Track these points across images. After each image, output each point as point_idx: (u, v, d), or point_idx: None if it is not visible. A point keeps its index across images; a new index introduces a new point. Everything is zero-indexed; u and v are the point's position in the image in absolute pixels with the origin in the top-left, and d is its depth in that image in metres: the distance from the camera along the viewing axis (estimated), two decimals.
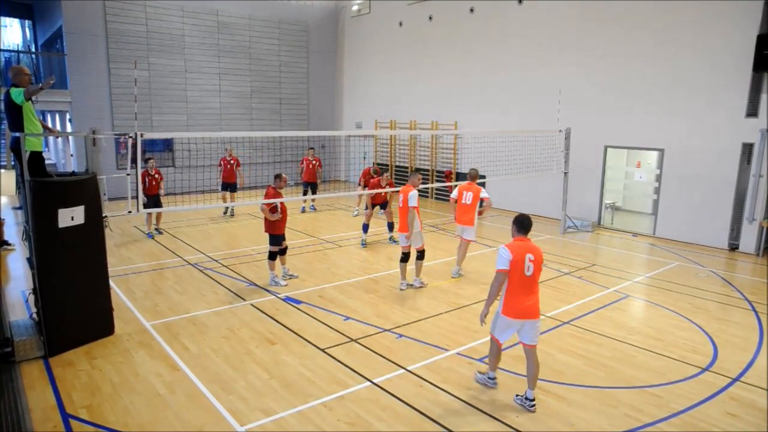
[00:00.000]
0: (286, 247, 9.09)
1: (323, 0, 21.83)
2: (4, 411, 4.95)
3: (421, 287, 8.84)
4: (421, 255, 8.85)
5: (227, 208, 14.47)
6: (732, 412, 5.19)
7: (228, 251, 11.08)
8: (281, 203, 8.74)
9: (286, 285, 8.87)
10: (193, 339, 6.70)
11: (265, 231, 8.85)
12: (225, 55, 19.50)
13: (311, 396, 5.37)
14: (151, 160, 12.18)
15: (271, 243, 8.80)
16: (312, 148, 15.21)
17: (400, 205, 8.64)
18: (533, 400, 5.23)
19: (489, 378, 5.72)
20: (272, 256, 8.87)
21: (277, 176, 8.86)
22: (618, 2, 13.07)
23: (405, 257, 8.72)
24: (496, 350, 5.54)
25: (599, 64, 13.64)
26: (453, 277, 9.46)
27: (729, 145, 11.53)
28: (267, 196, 8.68)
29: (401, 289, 8.72)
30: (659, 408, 5.23)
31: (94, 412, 5.02)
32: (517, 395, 5.38)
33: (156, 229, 12.56)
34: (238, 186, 14.30)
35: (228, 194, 14.31)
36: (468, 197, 9.31)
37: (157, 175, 12.03)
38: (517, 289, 5.17)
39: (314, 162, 14.91)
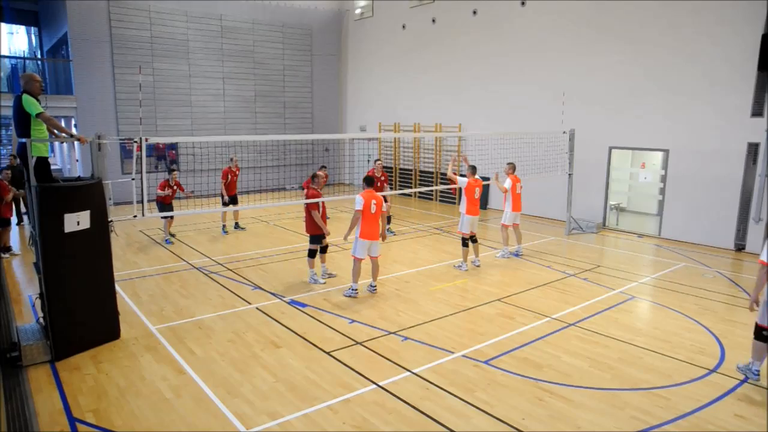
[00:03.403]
0: (326, 245, 9.28)
1: (326, 1, 21.89)
2: (11, 415, 4.97)
3: (478, 267, 10.30)
4: (474, 239, 10.41)
5: (233, 223, 13.55)
6: (740, 414, 5.15)
7: (233, 255, 11.10)
8: (322, 203, 9.05)
9: (324, 283, 9.06)
10: (198, 343, 6.72)
11: (307, 231, 9.13)
12: (229, 60, 19.59)
13: (317, 399, 5.36)
14: (175, 172, 12.32)
15: (312, 242, 9.01)
16: (324, 167, 14.76)
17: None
18: (375, 286, 8.65)
19: (353, 290, 8.48)
20: (312, 254, 9.07)
21: (315, 176, 9.21)
22: (621, 4, 13.06)
23: (465, 242, 10.14)
24: (357, 268, 8.46)
25: (603, 64, 13.62)
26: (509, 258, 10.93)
27: (735, 145, 11.48)
28: (309, 196, 8.94)
29: (465, 270, 10.01)
30: (666, 410, 5.21)
31: (101, 416, 5.03)
32: (345, 291, 8.54)
33: (170, 234, 12.62)
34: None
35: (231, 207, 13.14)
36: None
37: (176, 186, 12.12)
38: (367, 222, 8.32)
39: (324, 179, 14.56)
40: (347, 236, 8.56)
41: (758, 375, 5.84)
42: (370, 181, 8.59)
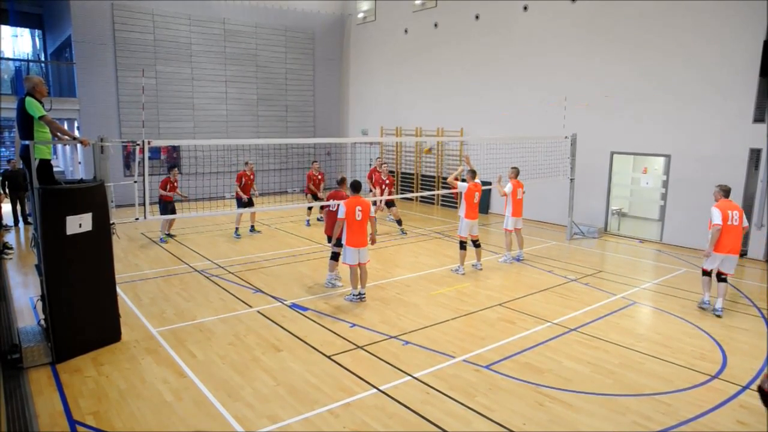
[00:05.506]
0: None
1: (329, 1, 21.94)
2: (12, 417, 4.97)
3: (481, 269, 10.32)
4: (477, 243, 10.44)
5: (249, 226, 13.72)
6: (742, 420, 5.14)
7: (234, 258, 11.11)
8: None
9: (341, 286, 9.10)
10: (199, 345, 6.72)
11: (327, 233, 9.41)
12: (231, 63, 19.65)
13: (317, 403, 5.36)
14: (175, 168, 12.67)
15: (336, 245, 8.99)
16: (316, 161, 14.79)
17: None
18: (364, 294, 8.37)
19: (354, 296, 8.34)
20: (335, 257, 9.08)
21: (341, 181, 9.33)
22: (623, 8, 13.08)
23: (463, 245, 10.13)
24: (353, 273, 8.33)
25: (605, 69, 13.63)
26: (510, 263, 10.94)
27: (736, 150, 11.47)
28: (330, 197, 9.23)
29: (462, 274, 10.00)
30: (668, 416, 5.19)
31: (101, 419, 5.03)
32: (347, 296, 8.40)
33: (168, 234, 12.76)
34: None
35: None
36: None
37: (176, 183, 12.42)
38: (353, 230, 8.13)
39: (319, 177, 14.42)
40: (333, 244, 8.80)
41: (709, 303, 8.17)
42: (354, 187, 8.41)
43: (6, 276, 9.65)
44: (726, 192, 8.20)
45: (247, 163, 13.23)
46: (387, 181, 13.27)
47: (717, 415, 5.23)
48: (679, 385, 5.83)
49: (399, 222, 13.85)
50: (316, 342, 6.86)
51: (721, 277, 8.03)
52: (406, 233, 13.59)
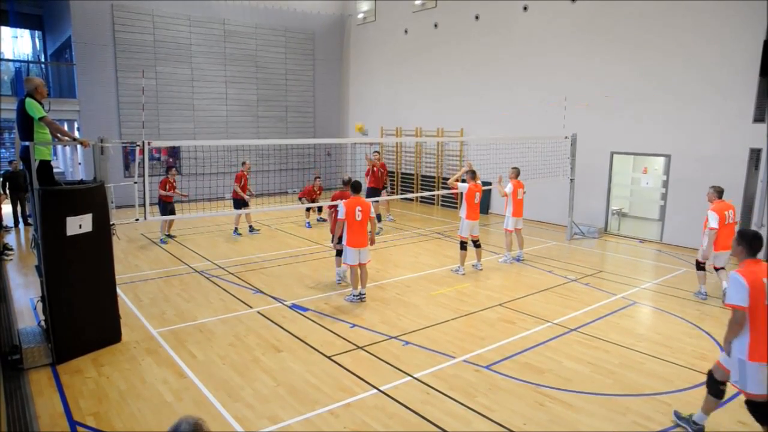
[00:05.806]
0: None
1: (330, 1, 21.94)
2: (12, 418, 4.97)
3: (481, 270, 10.29)
4: (478, 244, 10.42)
5: (249, 226, 13.76)
6: (743, 420, 5.13)
7: (235, 259, 11.12)
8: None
9: (343, 285, 9.20)
10: (199, 346, 6.72)
11: (332, 232, 9.46)
12: (231, 64, 19.64)
13: (318, 403, 5.36)
14: (173, 169, 12.88)
15: (338, 242, 9.00)
16: (318, 177, 14.78)
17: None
18: (364, 294, 8.37)
19: (354, 296, 8.35)
20: (340, 254, 9.10)
21: (347, 181, 9.40)
22: (623, 8, 13.08)
23: (463, 246, 10.10)
24: (353, 273, 8.39)
25: (605, 69, 13.63)
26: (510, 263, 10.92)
27: (736, 150, 11.46)
28: (336, 199, 9.30)
29: (462, 274, 9.98)
30: (668, 416, 5.19)
31: (101, 419, 5.04)
32: (347, 296, 8.41)
33: (168, 235, 12.79)
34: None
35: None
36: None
37: (174, 184, 12.58)
38: (353, 230, 8.15)
39: (318, 192, 14.48)
40: (334, 244, 8.89)
41: (705, 295, 8.71)
42: (355, 188, 8.46)
43: (6, 277, 9.66)
44: (720, 193, 8.55)
45: (244, 164, 13.44)
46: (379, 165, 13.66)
47: (717, 415, 5.22)
48: (679, 385, 5.83)
49: (378, 217, 13.63)
50: (317, 342, 6.86)
51: (716, 269, 8.64)
52: (379, 232, 13.24)
